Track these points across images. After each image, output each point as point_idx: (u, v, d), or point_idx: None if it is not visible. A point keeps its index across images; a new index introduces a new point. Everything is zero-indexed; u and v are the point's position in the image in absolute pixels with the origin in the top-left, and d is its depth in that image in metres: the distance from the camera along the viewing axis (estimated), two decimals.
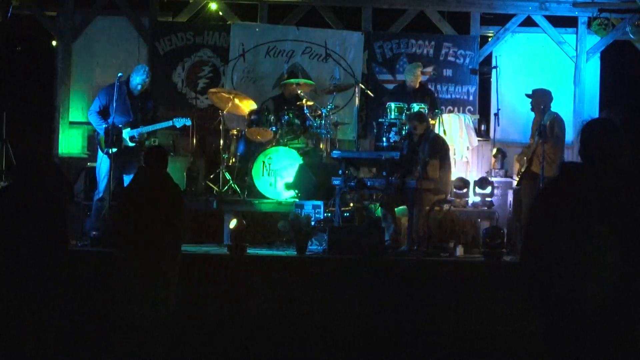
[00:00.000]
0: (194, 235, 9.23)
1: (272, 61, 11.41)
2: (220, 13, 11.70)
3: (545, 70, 11.60)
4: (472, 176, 10.49)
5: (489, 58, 11.57)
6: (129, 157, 9.32)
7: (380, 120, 10.21)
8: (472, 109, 11.44)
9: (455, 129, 10.52)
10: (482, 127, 11.30)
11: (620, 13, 11.50)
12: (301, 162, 9.84)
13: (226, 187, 10.01)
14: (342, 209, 9.01)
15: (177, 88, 11.39)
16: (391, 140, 9.89)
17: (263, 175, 9.91)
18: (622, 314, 3.67)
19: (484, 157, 11.15)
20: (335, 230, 8.53)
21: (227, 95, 10.37)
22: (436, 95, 10.92)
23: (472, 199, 9.88)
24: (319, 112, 10.31)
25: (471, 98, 11.52)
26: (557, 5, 11.53)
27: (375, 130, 10.31)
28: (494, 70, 10.79)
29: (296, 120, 10.20)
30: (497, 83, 10.79)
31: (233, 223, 8.41)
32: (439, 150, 9.02)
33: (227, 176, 10.02)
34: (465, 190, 9.88)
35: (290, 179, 9.79)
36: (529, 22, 11.68)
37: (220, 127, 10.20)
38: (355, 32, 11.51)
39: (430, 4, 11.64)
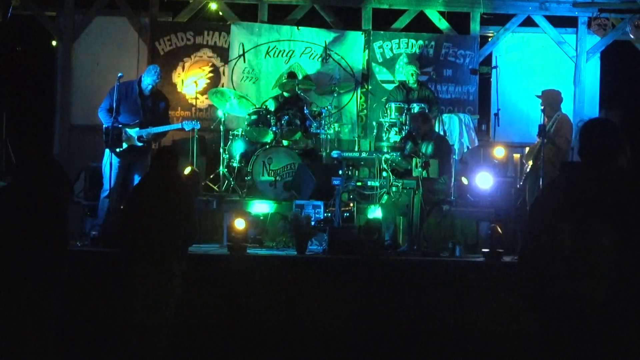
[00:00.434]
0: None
1: (272, 61, 11.41)
2: (220, 13, 11.70)
3: (545, 70, 11.60)
4: (472, 176, 10.48)
5: (489, 58, 11.58)
6: (136, 157, 9.34)
7: (380, 120, 10.21)
8: (472, 109, 11.44)
9: (455, 129, 10.53)
10: (482, 127, 11.30)
11: (620, 13, 11.51)
12: (301, 162, 9.84)
13: (226, 187, 10.01)
14: (342, 209, 9.01)
15: (177, 88, 11.39)
16: (391, 140, 9.90)
17: (263, 175, 9.91)
18: (621, 312, 3.67)
19: (484, 157, 11.14)
20: (335, 230, 8.53)
21: (227, 95, 10.37)
22: (436, 95, 10.93)
23: (472, 198, 9.87)
24: (319, 112, 10.31)
25: (471, 98, 11.51)
26: (557, 5, 11.54)
27: (375, 130, 10.31)
28: (494, 70, 10.80)
29: (296, 120, 10.20)
30: (497, 83, 10.80)
31: (241, 223, 8.39)
32: (442, 150, 9.02)
33: (227, 176, 10.02)
34: (464, 190, 9.87)
35: (290, 179, 9.79)
36: (529, 22, 11.68)
37: (220, 127, 10.20)
38: (355, 32, 11.51)
39: (430, 4, 11.64)
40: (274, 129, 10.11)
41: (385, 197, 8.96)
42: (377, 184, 9.04)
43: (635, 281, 3.65)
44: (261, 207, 9.66)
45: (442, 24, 11.68)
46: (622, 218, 3.68)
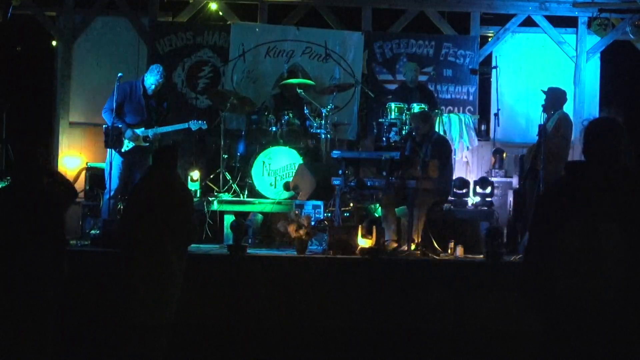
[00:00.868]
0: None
1: (272, 61, 11.41)
2: (220, 13, 11.70)
3: (545, 70, 11.60)
4: (472, 176, 10.49)
5: (489, 58, 11.58)
6: (141, 157, 9.36)
7: (380, 120, 10.21)
8: (472, 109, 11.44)
9: (455, 129, 10.53)
10: (482, 127, 11.31)
11: (620, 13, 11.51)
12: (301, 162, 9.84)
13: (226, 187, 10.01)
14: (342, 209, 9.00)
15: (177, 88, 11.40)
16: (391, 140, 9.89)
17: (263, 175, 9.91)
18: (627, 312, 3.67)
19: (484, 157, 11.15)
20: (335, 230, 8.53)
21: (227, 95, 10.38)
22: (436, 95, 10.93)
23: (472, 199, 9.88)
24: (319, 112, 10.32)
25: (471, 98, 11.52)
26: (557, 5, 11.54)
27: (375, 130, 10.31)
28: (494, 70, 10.80)
29: (296, 120, 10.21)
30: (497, 83, 10.80)
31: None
32: (442, 151, 9.02)
33: (227, 176, 10.02)
34: (465, 190, 9.88)
35: (290, 179, 9.79)
36: (529, 22, 11.68)
37: (220, 127, 10.20)
38: (355, 32, 11.51)
39: (430, 4, 11.64)
40: (274, 129, 10.11)
41: (385, 197, 8.95)
42: (377, 184, 9.03)
43: None
44: (261, 207, 9.66)
45: (442, 24, 11.68)
46: (628, 217, 3.68)
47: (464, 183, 9.91)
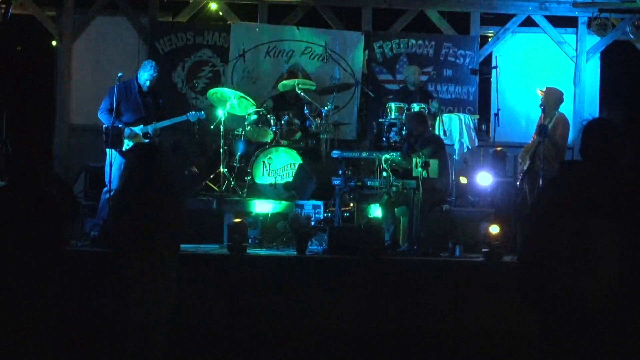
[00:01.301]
0: (194, 235, 9.23)
1: (272, 61, 11.41)
2: (220, 13, 11.70)
3: (545, 70, 11.60)
4: (472, 176, 10.48)
5: (489, 58, 11.58)
6: None
7: (380, 120, 10.21)
8: (472, 109, 11.45)
9: (455, 129, 10.52)
10: (482, 127, 11.30)
11: (620, 13, 11.51)
12: (301, 162, 9.84)
13: (226, 187, 10.01)
14: (342, 209, 9.01)
15: (177, 88, 11.40)
16: (391, 140, 9.89)
17: (263, 175, 9.91)
18: (623, 311, 3.67)
19: (484, 157, 11.15)
20: (335, 230, 8.53)
21: (227, 95, 10.37)
22: (436, 95, 10.92)
23: (472, 198, 9.87)
24: (319, 112, 10.31)
25: (471, 98, 11.52)
26: (557, 5, 11.54)
27: (375, 130, 10.30)
28: (494, 70, 10.80)
29: (296, 120, 10.21)
30: (497, 83, 10.80)
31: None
32: (436, 149, 9.01)
33: (227, 176, 10.02)
34: (464, 189, 9.87)
35: (290, 179, 9.79)
36: (529, 22, 11.68)
37: (220, 127, 10.19)
38: (355, 32, 11.51)
39: (430, 4, 11.64)
40: (274, 129, 10.11)
41: (385, 197, 8.96)
42: (377, 184, 9.03)
43: (637, 279, 3.66)
44: (261, 207, 9.65)
45: (442, 24, 11.68)
46: (624, 217, 3.68)
47: (463, 183, 9.90)
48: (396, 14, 11.74)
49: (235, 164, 10.14)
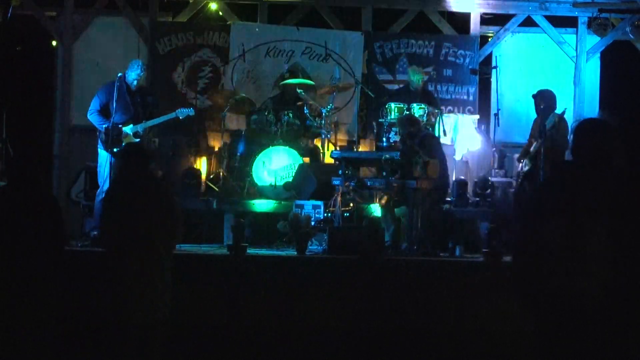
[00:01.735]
0: (194, 236, 9.23)
1: (272, 61, 11.40)
2: (220, 13, 11.70)
3: (545, 70, 11.60)
4: (472, 176, 10.48)
5: (489, 58, 11.57)
6: None
7: (380, 120, 10.21)
8: (472, 109, 11.45)
9: (455, 129, 10.52)
10: (482, 127, 11.30)
11: (620, 13, 11.51)
12: (301, 162, 9.84)
13: (226, 187, 10.00)
14: (342, 209, 9.00)
15: (177, 88, 11.39)
16: (391, 140, 9.89)
17: (263, 175, 9.91)
18: (615, 309, 3.69)
19: (484, 157, 11.14)
20: (335, 230, 8.53)
21: (227, 95, 10.37)
22: (436, 95, 10.92)
23: (472, 199, 9.87)
24: (319, 112, 10.31)
25: (471, 98, 11.52)
26: (557, 5, 11.53)
27: (375, 130, 10.31)
28: (494, 70, 10.79)
29: (296, 120, 10.21)
30: (497, 83, 10.80)
31: None
32: (432, 148, 9.00)
33: (227, 176, 10.02)
34: (464, 190, 9.87)
35: (290, 179, 9.79)
36: (529, 22, 11.68)
37: (221, 127, 10.19)
38: (355, 32, 11.51)
39: (430, 4, 11.64)
40: (274, 129, 10.10)
41: (385, 197, 8.96)
42: (377, 184, 9.04)
43: (629, 278, 3.67)
44: (261, 207, 9.65)
45: (442, 24, 11.68)
46: (615, 216, 3.70)
47: (463, 183, 9.90)
48: (396, 14, 11.74)
49: (235, 164, 10.14)
